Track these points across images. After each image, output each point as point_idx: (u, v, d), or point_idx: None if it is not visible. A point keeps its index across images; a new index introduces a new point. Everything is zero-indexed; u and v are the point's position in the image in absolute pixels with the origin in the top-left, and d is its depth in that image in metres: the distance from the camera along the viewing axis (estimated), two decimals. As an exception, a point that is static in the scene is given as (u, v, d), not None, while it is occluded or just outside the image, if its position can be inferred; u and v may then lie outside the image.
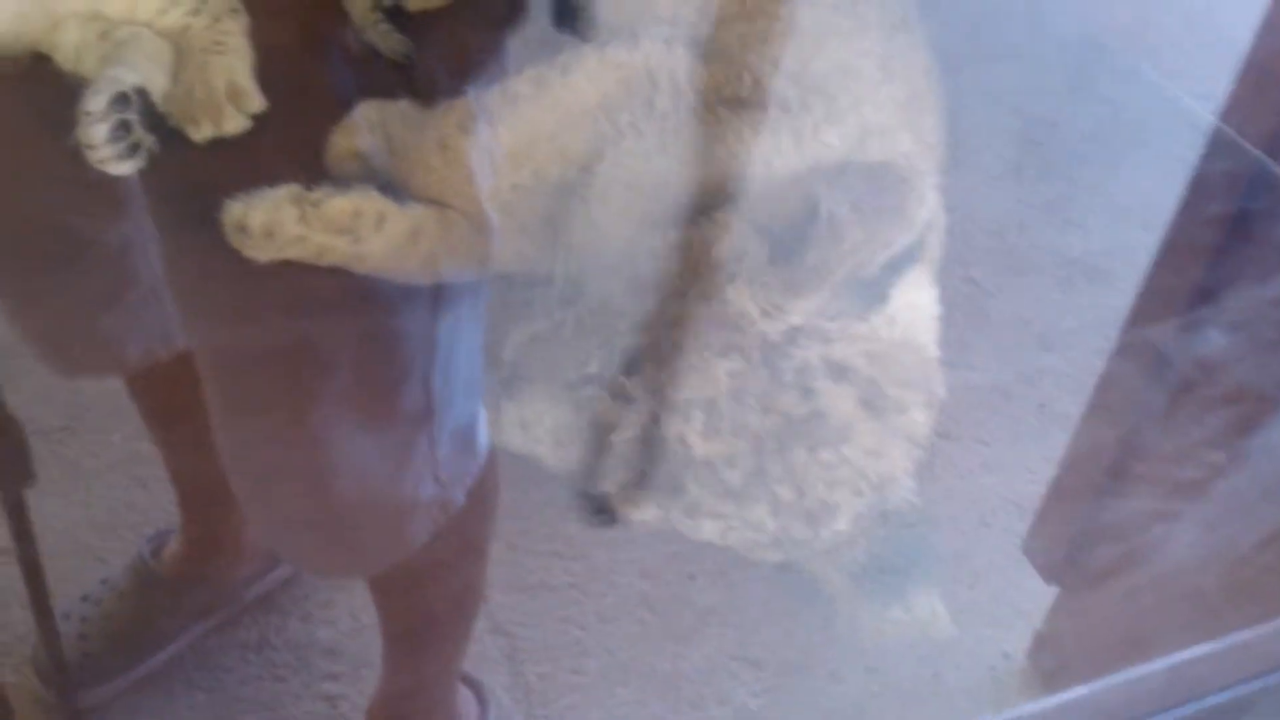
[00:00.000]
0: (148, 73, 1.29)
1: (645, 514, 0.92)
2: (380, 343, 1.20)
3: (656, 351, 0.89)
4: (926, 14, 1.28)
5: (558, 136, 1.10)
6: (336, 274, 1.09)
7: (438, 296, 1.17)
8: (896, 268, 0.88)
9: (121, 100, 1.24)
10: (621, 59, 1.08)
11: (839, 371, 0.89)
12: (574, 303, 0.94)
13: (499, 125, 1.12)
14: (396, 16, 1.50)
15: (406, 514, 1.36)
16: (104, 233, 1.25)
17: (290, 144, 1.33)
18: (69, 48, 1.34)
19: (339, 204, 1.13)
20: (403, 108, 1.25)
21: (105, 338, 1.40)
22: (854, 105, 1.09)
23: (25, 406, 1.36)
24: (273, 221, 1.13)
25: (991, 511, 2.24)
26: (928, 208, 0.88)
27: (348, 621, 1.99)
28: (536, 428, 0.96)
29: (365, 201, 1.13)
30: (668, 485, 0.88)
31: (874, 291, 0.88)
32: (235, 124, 1.31)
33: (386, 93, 1.36)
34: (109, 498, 2.04)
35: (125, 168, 1.25)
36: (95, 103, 1.22)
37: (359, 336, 1.20)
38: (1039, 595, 1.94)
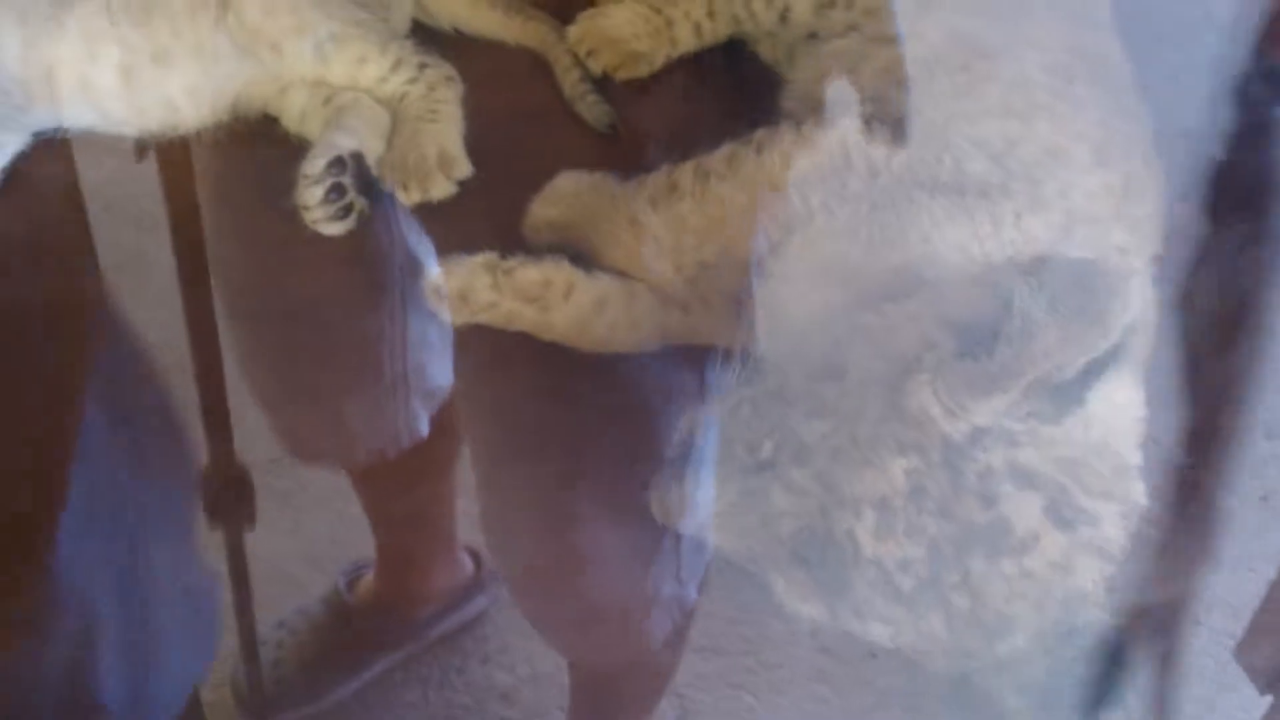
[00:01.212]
0: (365, 137, 1.33)
1: (812, 609, 0.87)
2: (645, 438, 1.19)
3: (831, 442, 0.85)
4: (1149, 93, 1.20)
5: (749, 214, 1.08)
6: (602, 371, 1.09)
7: (695, 392, 1.15)
8: (1095, 371, 0.81)
9: (338, 164, 1.28)
10: (816, 138, 1.05)
11: (1025, 478, 0.82)
12: (752, 384, 0.90)
13: (690, 200, 1.10)
14: (604, 87, 1.51)
15: (648, 611, 1.34)
16: (351, 318, 1.26)
17: (493, 211, 1.35)
18: (295, 111, 1.40)
19: (530, 273, 1.13)
20: (599, 179, 1.25)
21: (341, 428, 1.40)
22: (1062, 192, 1.02)
23: (240, 438, 1.42)
24: (467, 286, 1.14)
25: (1204, 610, 2.07)
26: (1134, 309, 0.81)
27: (525, 668, 1.99)
28: (705, 509, 0.93)
29: (555, 271, 1.13)
30: (835, 582, 0.83)
31: (1068, 395, 0.82)
32: (443, 190, 1.34)
33: (590, 163, 1.37)
34: (314, 530, 2.11)
35: (337, 229, 1.29)
36: (313, 166, 1.27)
37: (623, 431, 1.19)
38: (1252, 705, 1.77)
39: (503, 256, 1.17)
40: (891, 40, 1.21)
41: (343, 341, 1.24)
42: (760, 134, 1.10)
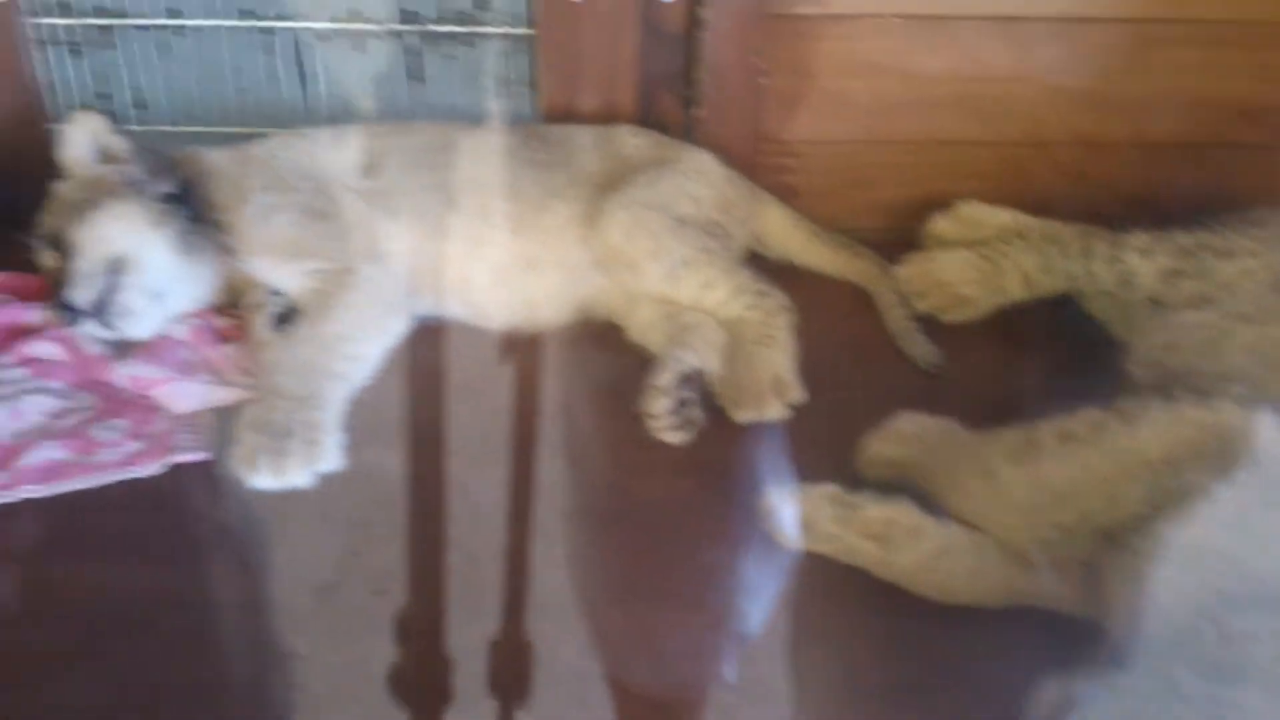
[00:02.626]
0: (705, 355, 1.38)
1: None
2: (983, 699, 1.12)
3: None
4: None
5: (1112, 484, 1.06)
6: (941, 621, 1.06)
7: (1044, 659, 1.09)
8: None
9: (684, 379, 1.33)
10: (1192, 416, 1.03)
11: None
12: (1132, 671, 0.87)
13: (1052, 462, 1.09)
14: (928, 327, 1.53)
15: None
16: (682, 526, 1.24)
17: (821, 438, 1.36)
18: (641, 322, 1.47)
19: (876, 511, 1.13)
20: (945, 425, 1.25)
21: (652, 647, 1.34)
22: None
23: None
24: (812, 515, 1.14)
25: None
26: None
27: None
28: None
29: (902, 512, 1.13)
30: None
31: None
32: (776, 412, 1.37)
33: (914, 401, 1.38)
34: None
35: (677, 438, 1.33)
36: (663, 378, 1.32)
37: (960, 689, 1.13)
38: None
39: (847, 490, 1.17)
40: (1253, 318, 1.19)
41: (670, 549, 1.25)
42: (1126, 403, 1.08)
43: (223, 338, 1.42)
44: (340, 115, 1.65)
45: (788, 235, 1.59)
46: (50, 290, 1.44)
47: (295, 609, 1.15)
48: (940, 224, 1.60)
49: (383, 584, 1.17)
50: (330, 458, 1.24)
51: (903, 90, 1.62)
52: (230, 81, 1.64)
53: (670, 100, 1.62)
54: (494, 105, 1.65)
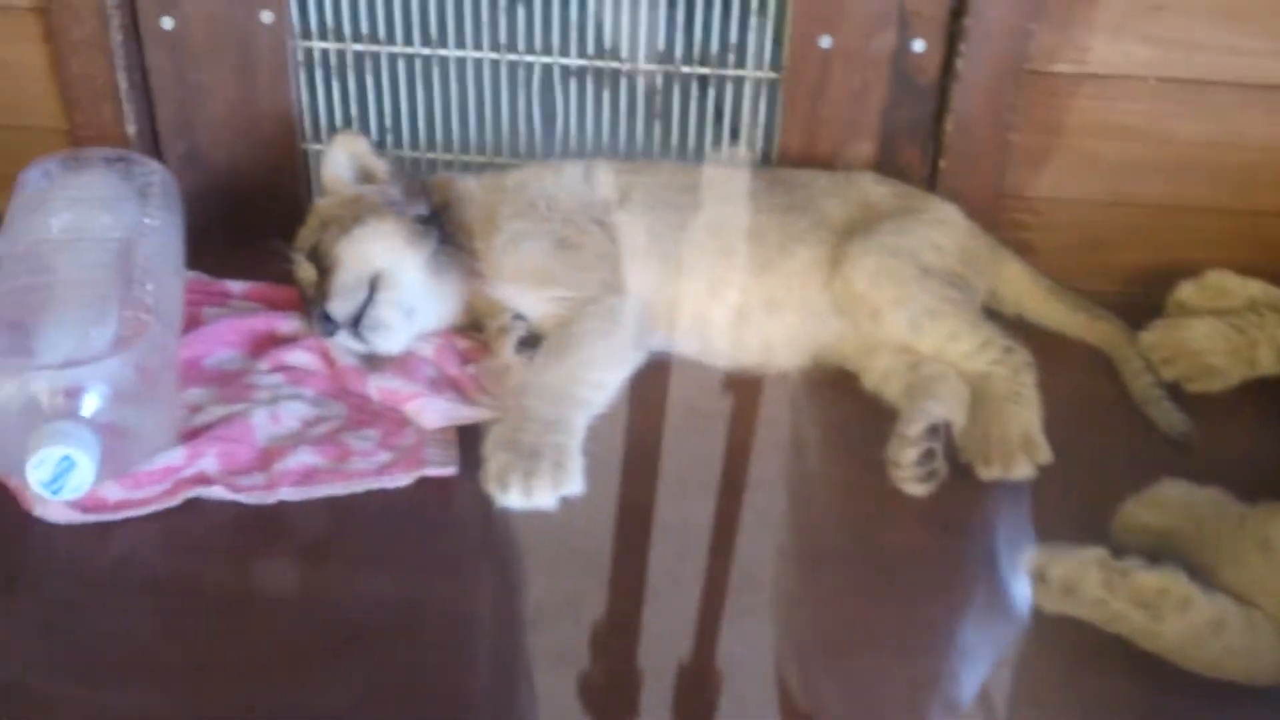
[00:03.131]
0: (951, 408, 1.34)
1: None
2: None
3: None
4: None
5: None
6: (1210, 698, 1.01)
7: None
8: None
9: (932, 431, 1.30)
10: None
11: None
12: None
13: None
14: (1175, 395, 1.47)
15: None
16: (919, 578, 1.21)
17: (1068, 501, 1.32)
18: (878, 371, 1.44)
19: (1146, 579, 1.08)
20: (1216, 495, 1.19)
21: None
22: None
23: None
24: (1076, 579, 1.10)
25: None
26: None
27: None
28: None
29: (1173, 581, 1.07)
30: None
31: None
32: (1024, 471, 1.32)
33: (1163, 468, 1.32)
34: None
35: (921, 490, 1.30)
36: (913, 428, 1.29)
37: None
38: None
39: (1114, 555, 1.12)
40: None
41: (905, 598, 1.22)
42: None
43: (465, 358, 1.44)
44: (582, 150, 1.68)
45: (1025, 291, 1.55)
46: (303, 301, 1.48)
47: (530, 624, 1.16)
48: (1187, 291, 1.54)
49: (598, 609, 1.17)
50: (575, 482, 1.24)
51: (1151, 153, 1.58)
52: (476, 111, 1.68)
53: (912, 149, 1.60)
54: (732, 146, 1.65)
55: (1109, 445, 1.41)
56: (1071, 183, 1.60)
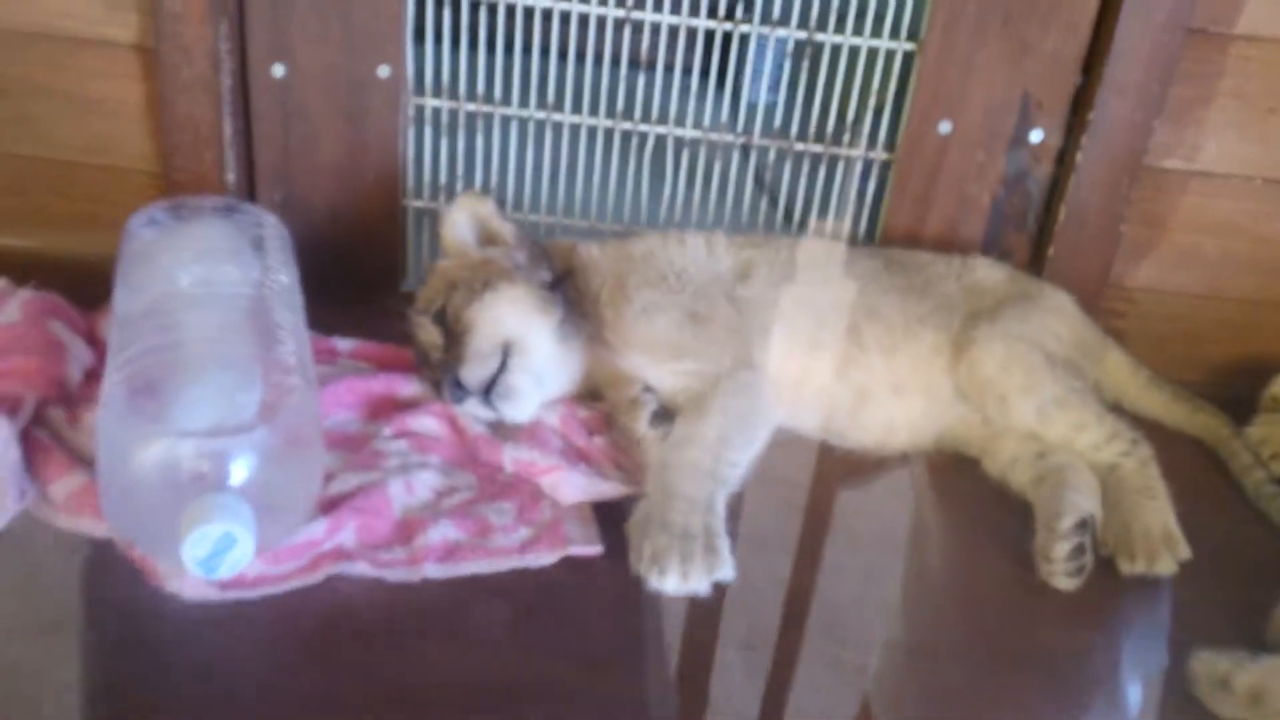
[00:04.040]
0: (1091, 500, 1.30)
1: None
2: None
3: None
4: None
5: None
6: None
7: None
8: None
9: (1083, 525, 1.25)
10: None
11: None
12: None
13: None
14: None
15: None
16: (1070, 677, 1.16)
17: (1206, 600, 1.28)
18: (1003, 457, 1.40)
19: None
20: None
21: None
22: None
23: None
24: (1264, 688, 1.05)
25: None
26: None
27: None
28: None
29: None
30: None
31: None
32: (1168, 567, 1.29)
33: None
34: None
35: (1071, 584, 1.25)
36: (1064, 523, 1.25)
37: None
38: None
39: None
40: None
41: (1067, 696, 1.17)
42: None
43: (589, 428, 1.37)
44: (690, 220, 1.62)
45: (1127, 380, 1.53)
46: (422, 364, 1.40)
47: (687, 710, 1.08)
48: (1282, 386, 1.53)
49: (746, 698, 1.10)
50: (728, 567, 1.17)
51: (1250, 250, 1.57)
52: (584, 175, 1.62)
53: (1019, 235, 1.58)
54: (837, 222, 1.61)
55: (1232, 539, 1.38)
56: (1170, 275, 1.59)
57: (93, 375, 1.32)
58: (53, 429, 1.22)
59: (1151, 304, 1.59)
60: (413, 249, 1.62)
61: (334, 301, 1.49)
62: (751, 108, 1.59)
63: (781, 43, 1.56)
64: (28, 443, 1.19)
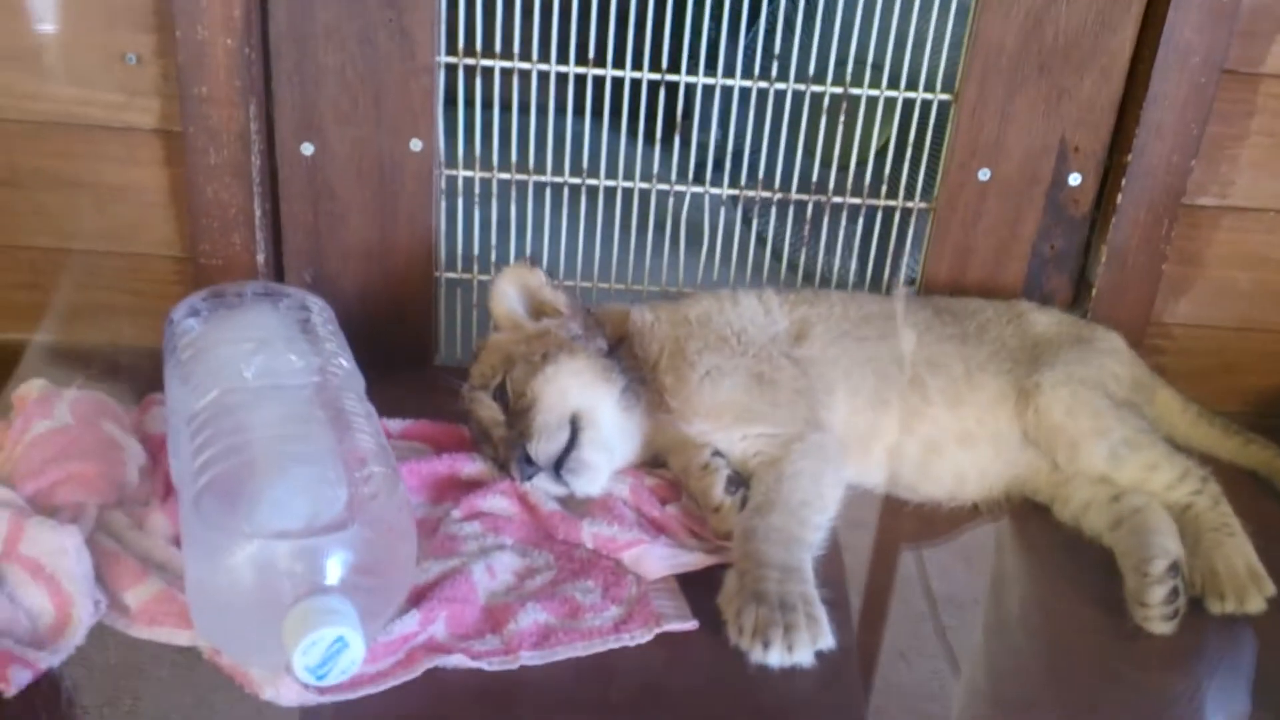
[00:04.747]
0: (1176, 542, 1.31)
1: None
2: None
3: None
4: None
5: None
6: None
7: None
8: None
9: (1174, 568, 1.26)
10: None
11: None
12: None
13: None
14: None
15: None
16: None
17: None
18: (1076, 502, 1.40)
19: None
20: None
21: None
22: None
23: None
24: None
25: None
26: None
27: None
28: None
29: None
30: None
31: None
32: (1257, 605, 1.29)
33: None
34: None
35: (1166, 629, 1.25)
36: (1156, 567, 1.25)
37: None
38: None
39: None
40: None
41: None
42: None
43: (660, 498, 1.35)
44: (728, 278, 1.62)
45: (1178, 417, 1.55)
46: (481, 441, 1.37)
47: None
48: (1326, 413, 1.56)
49: None
50: (829, 635, 1.15)
51: (1284, 282, 1.60)
52: (621, 238, 1.61)
53: (1059, 277, 1.59)
54: (878, 272, 1.61)
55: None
56: (1207, 310, 1.61)
57: (146, 473, 1.27)
58: (117, 535, 1.17)
59: (1190, 339, 1.62)
60: (445, 321, 1.59)
61: (368, 379, 1.45)
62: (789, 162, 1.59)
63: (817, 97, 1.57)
64: (94, 551, 1.13)
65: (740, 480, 1.32)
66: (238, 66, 1.39)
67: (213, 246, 1.49)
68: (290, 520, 1.05)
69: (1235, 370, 1.63)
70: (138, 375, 1.46)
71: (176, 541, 1.18)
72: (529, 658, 1.13)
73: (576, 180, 1.55)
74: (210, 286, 1.39)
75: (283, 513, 1.05)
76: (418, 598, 1.16)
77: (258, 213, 1.48)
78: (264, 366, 1.22)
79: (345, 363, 1.27)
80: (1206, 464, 1.52)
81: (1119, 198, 1.50)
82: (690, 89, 1.53)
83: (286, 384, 1.21)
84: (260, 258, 1.51)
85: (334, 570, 1.03)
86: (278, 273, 1.55)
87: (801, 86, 1.52)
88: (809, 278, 1.67)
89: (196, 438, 1.12)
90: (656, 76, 1.51)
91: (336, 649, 0.98)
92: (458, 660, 1.11)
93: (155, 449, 1.30)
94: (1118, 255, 1.54)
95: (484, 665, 1.11)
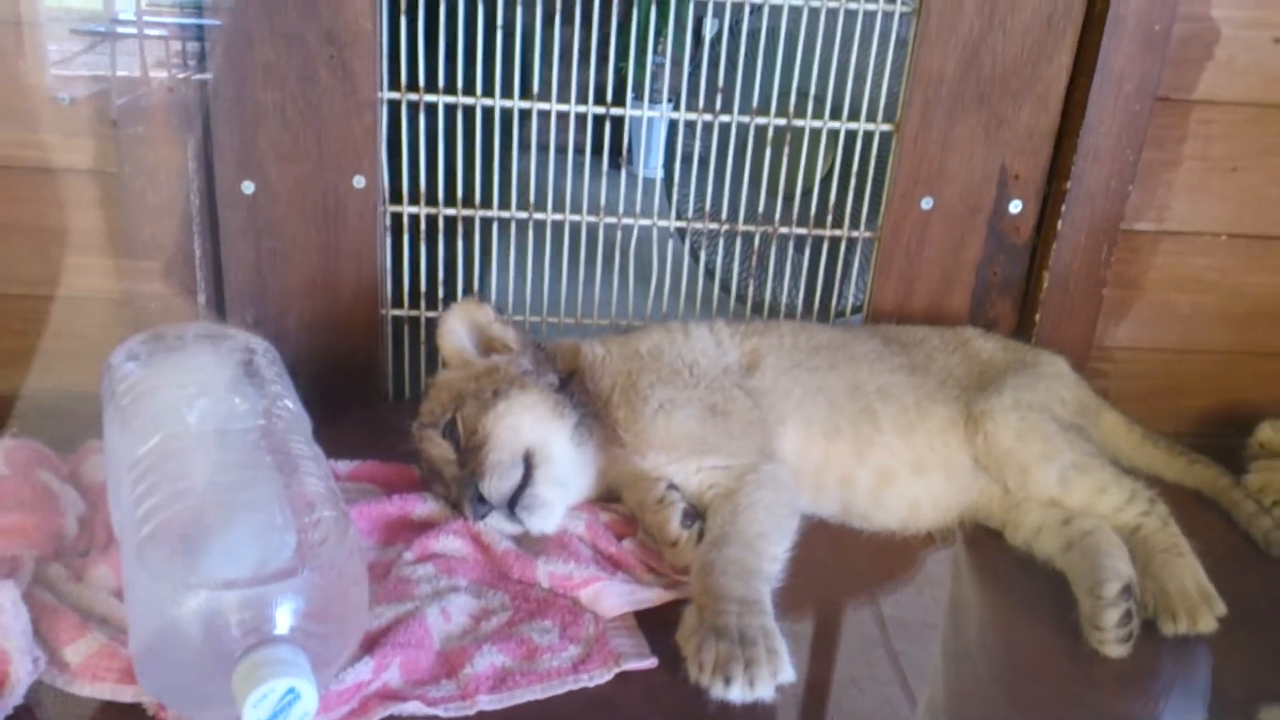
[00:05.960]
0: (1128, 564, 1.32)
1: None
2: None
3: None
4: None
5: None
6: None
7: None
8: None
9: (1127, 590, 1.27)
10: None
11: None
12: None
13: None
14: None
15: None
16: None
17: (1243, 654, 1.31)
18: (1027, 527, 1.42)
19: None
20: None
21: None
22: None
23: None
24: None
25: None
26: None
27: None
28: None
29: None
30: None
31: None
32: (1208, 625, 1.31)
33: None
34: None
35: (1120, 651, 1.26)
36: (1109, 589, 1.26)
37: None
38: None
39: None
40: None
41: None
42: None
43: (616, 533, 1.34)
44: (677, 311, 1.62)
45: (1123, 438, 1.57)
46: (430, 481, 1.36)
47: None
48: (1267, 432, 1.60)
49: None
50: (789, 669, 1.15)
51: (1222, 304, 1.64)
52: (569, 272, 1.61)
53: (1003, 302, 1.62)
54: (825, 301, 1.62)
55: (1258, 588, 1.41)
56: (1146, 332, 1.64)
57: (84, 524, 1.24)
58: (55, 588, 1.14)
59: (1132, 362, 1.64)
60: (393, 359, 1.57)
61: (315, 420, 1.43)
62: (735, 195, 1.60)
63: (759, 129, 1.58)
64: (32, 605, 1.10)
65: (696, 513, 1.32)
66: (174, 105, 1.37)
67: (151, 288, 1.46)
68: (237, 568, 1.02)
69: (1176, 391, 1.66)
70: (75, 421, 1.43)
71: (118, 594, 1.15)
72: (486, 702, 1.11)
73: (524, 215, 1.55)
74: (150, 329, 1.36)
75: (230, 561, 1.03)
76: (371, 644, 1.13)
77: (198, 253, 1.46)
78: (207, 410, 1.19)
79: (291, 404, 1.25)
80: (1153, 485, 1.55)
81: (1059, 224, 1.53)
82: (635, 122, 1.53)
83: (231, 428, 1.18)
84: (201, 298, 1.48)
85: (284, 619, 1.01)
86: (219, 313, 1.53)
87: (745, 119, 1.53)
88: (757, 309, 1.68)
89: (138, 485, 1.09)
90: (601, 110, 1.52)
91: (289, 700, 0.96)
92: (413, 708, 1.09)
93: (94, 497, 1.26)
94: (1059, 280, 1.56)
95: (439, 712, 1.09)
